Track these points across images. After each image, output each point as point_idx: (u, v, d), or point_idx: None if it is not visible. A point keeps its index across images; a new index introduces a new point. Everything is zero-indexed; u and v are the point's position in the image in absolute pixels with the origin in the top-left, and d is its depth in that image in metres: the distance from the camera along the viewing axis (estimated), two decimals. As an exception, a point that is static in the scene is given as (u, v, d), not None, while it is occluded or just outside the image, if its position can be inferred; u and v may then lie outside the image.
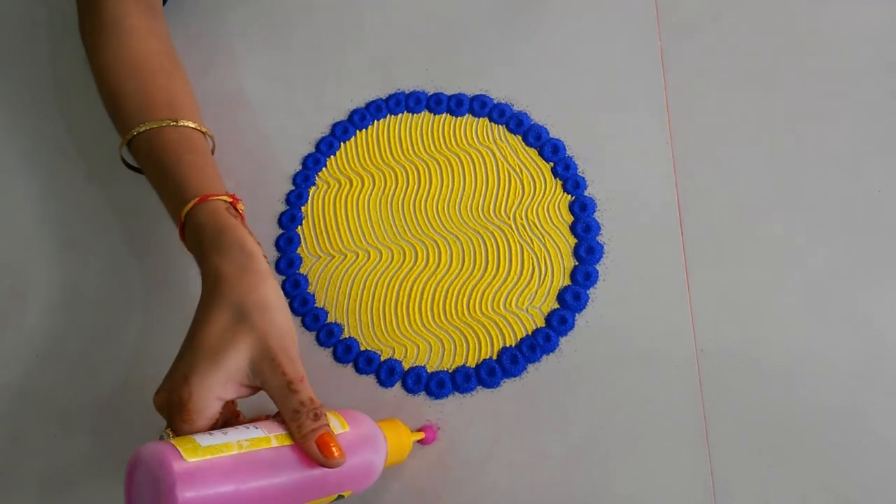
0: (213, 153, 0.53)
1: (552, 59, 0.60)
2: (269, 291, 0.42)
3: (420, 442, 0.48)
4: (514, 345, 0.51)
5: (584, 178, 0.55)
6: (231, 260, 0.43)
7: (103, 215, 0.57)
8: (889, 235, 0.51)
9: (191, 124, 0.51)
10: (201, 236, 0.45)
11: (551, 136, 0.57)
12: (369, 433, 0.43)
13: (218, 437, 0.37)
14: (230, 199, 0.48)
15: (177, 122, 0.51)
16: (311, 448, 0.39)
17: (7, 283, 0.56)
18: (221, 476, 0.36)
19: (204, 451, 0.36)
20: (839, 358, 0.48)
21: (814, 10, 0.59)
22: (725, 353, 0.49)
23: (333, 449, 0.39)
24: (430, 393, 0.50)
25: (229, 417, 0.43)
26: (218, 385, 0.40)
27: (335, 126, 0.59)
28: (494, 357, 0.51)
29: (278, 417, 0.41)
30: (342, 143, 0.59)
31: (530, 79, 0.59)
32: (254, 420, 0.42)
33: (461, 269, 0.53)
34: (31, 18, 0.66)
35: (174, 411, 0.40)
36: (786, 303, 0.50)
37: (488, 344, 0.51)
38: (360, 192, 0.57)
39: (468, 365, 0.51)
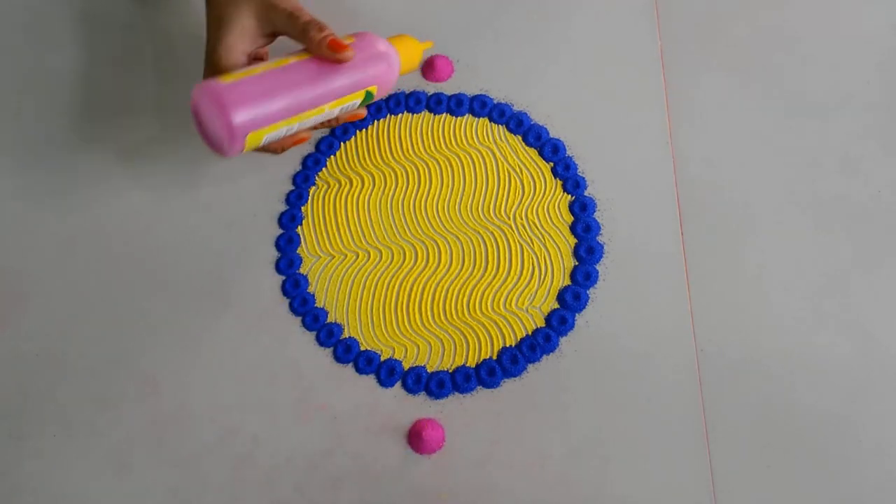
0: None
1: (552, 59, 0.60)
2: None
3: (413, 441, 0.48)
4: (514, 345, 0.51)
5: (584, 178, 0.55)
6: None
7: (103, 215, 0.57)
8: (889, 235, 0.51)
9: None
10: None
11: (551, 136, 0.57)
12: (380, 45, 0.50)
13: (249, 67, 0.47)
14: None
15: None
16: (323, 50, 0.47)
17: (7, 284, 0.56)
18: (256, 84, 0.45)
19: (236, 75, 0.46)
20: (839, 358, 0.48)
21: (814, 10, 0.59)
22: (725, 354, 0.49)
23: (342, 45, 0.47)
24: (430, 393, 0.50)
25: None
26: (237, 42, 0.49)
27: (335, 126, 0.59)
28: (494, 357, 0.51)
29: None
30: (342, 143, 0.58)
31: (530, 79, 0.59)
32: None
33: (461, 269, 0.53)
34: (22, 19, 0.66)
35: (213, 73, 0.48)
36: (786, 303, 0.50)
37: (488, 344, 0.51)
38: (360, 192, 0.57)
39: (468, 365, 0.51)
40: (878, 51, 0.57)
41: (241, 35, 0.49)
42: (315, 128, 0.51)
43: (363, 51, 0.49)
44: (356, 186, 0.57)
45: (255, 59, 0.51)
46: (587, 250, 0.53)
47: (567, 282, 0.52)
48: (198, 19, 0.58)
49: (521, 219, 0.54)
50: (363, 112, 0.52)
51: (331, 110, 0.48)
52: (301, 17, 0.48)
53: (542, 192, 0.55)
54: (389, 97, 0.60)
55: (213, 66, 0.49)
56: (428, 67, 0.60)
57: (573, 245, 0.53)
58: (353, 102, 0.49)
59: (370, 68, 0.49)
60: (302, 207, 0.57)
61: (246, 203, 0.57)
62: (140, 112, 0.60)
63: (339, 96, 0.48)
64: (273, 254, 0.55)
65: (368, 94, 0.50)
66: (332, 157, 0.58)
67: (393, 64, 0.51)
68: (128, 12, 0.64)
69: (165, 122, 0.60)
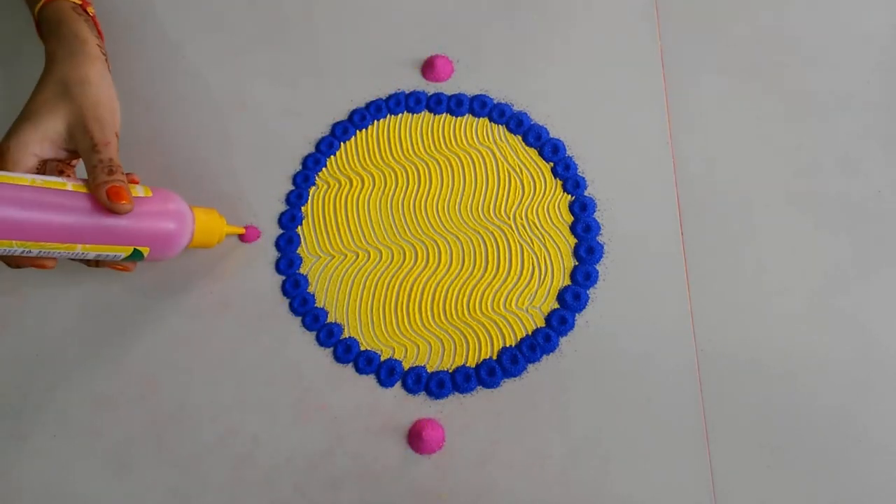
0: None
1: (552, 59, 0.60)
2: (91, 70, 0.49)
3: (413, 441, 0.48)
4: (514, 345, 0.51)
5: (584, 178, 0.55)
6: (63, 46, 0.50)
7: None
8: (889, 235, 0.51)
9: None
10: (45, 30, 0.53)
11: (551, 136, 0.57)
12: (172, 207, 0.48)
13: (17, 174, 0.43)
14: (79, 2, 0.54)
15: None
16: (101, 194, 0.44)
17: (7, 284, 0.56)
18: (14, 190, 0.42)
19: (5, 176, 0.42)
20: (839, 358, 0.48)
21: (814, 10, 0.59)
22: (725, 354, 0.49)
23: (121, 197, 0.44)
24: (430, 393, 0.50)
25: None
26: (33, 142, 0.46)
27: (335, 126, 0.59)
28: (494, 357, 0.51)
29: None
30: (342, 143, 0.59)
31: (530, 79, 0.59)
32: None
33: (461, 269, 0.53)
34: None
35: None
36: (786, 303, 0.50)
37: (488, 344, 0.51)
38: (360, 192, 0.57)
39: (468, 365, 0.51)
40: (878, 51, 0.57)
41: (42, 138, 0.46)
42: (72, 259, 0.46)
43: (151, 208, 0.46)
44: (356, 186, 0.57)
45: (60, 172, 0.49)
46: (587, 250, 0.53)
47: (567, 282, 0.52)
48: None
49: (521, 219, 0.54)
50: (131, 266, 0.49)
51: (84, 251, 0.45)
52: (100, 153, 0.45)
53: (542, 192, 0.55)
54: (389, 97, 0.60)
55: (1, 154, 0.46)
56: (428, 67, 0.60)
57: (573, 245, 0.53)
58: (115, 254, 0.46)
59: (147, 228, 0.46)
60: (302, 207, 0.57)
61: (246, 203, 0.57)
62: (135, 109, 0.60)
63: (98, 242, 0.45)
64: (273, 254, 0.55)
65: (137, 252, 0.46)
66: (332, 157, 0.58)
67: (181, 231, 0.48)
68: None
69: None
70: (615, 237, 0.53)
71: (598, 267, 0.52)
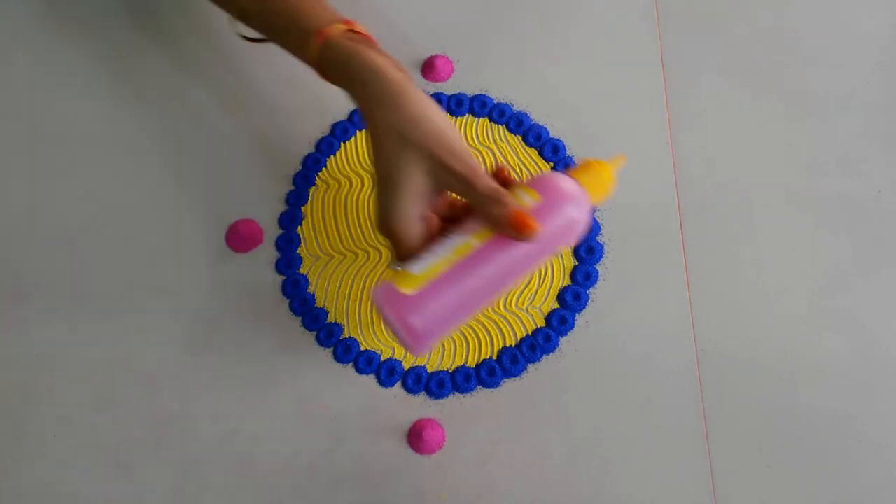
0: None
1: (552, 59, 0.60)
2: (411, 105, 0.44)
3: (413, 441, 0.48)
4: (514, 345, 0.51)
5: (584, 178, 0.55)
6: (364, 90, 0.45)
7: (103, 215, 0.57)
8: (889, 235, 0.51)
9: None
10: (334, 75, 0.47)
11: (551, 136, 0.57)
12: (562, 192, 0.44)
13: (427, 261, 0.43)
14: (344, 26, 0.48)
15: None
16: (506, 231, 0.42)
17: (7, 283, 0.56)
18: (440, 290, 0.42)
19: (416, 279, 0.42)
20: (839, 358, 0.48)
21: (814, 10, 0.59)
22: (725, 354, 0.49)
23: (525, 224, 0.41)
24: (430, 393, 0.50)
25: (443, 212, 0.47)
26: (410, 208, 0.44)
27: (335, 126, 0.59)
28: (494, 357, 0.51)
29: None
30: (342, 143, 0.58)
31: (530, 79, 0.59)
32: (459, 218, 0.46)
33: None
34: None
35: (391, 245, 0.45)
36: (785, 303, 0.50)
37: (488, 344, 0.51)
38: (360, 192, 0.57)
39: (468, 365, 0.51)
40: (878, 51, 0.57)
41: (415, 199, 0.44)
42: None
43: (548, 208, 0.43)
44: (356, 186, 0.57)
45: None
46: (587, 250, 0.53)
47: (567, 282, 0.52)
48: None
49: (521, 219, 0.54)
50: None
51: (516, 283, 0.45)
52: (476, 186, 0.42)
53: (542, 192, 0.55)
54: (389, 97, 0.59)
55: (387, 232, 0.44)
56: (428, 67, 0.60)
57: (573, 245, 0.53)
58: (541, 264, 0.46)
59: (556, 228, 0.43)
60: (302, 207, 0.57)
61: (246, 203, 0.57)
62: (139, 110, 0.60)
63: (524, 274, 0.44)
64: (273, 254, 0.55)
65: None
66: (332, 157, 0.58)
67: (583, 212, 0.44)
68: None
69: (171, 118, 0.60)
70: (615, 237, 0.53)
71: (598, 267, 0.52)
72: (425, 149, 0.43)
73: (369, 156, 0.46)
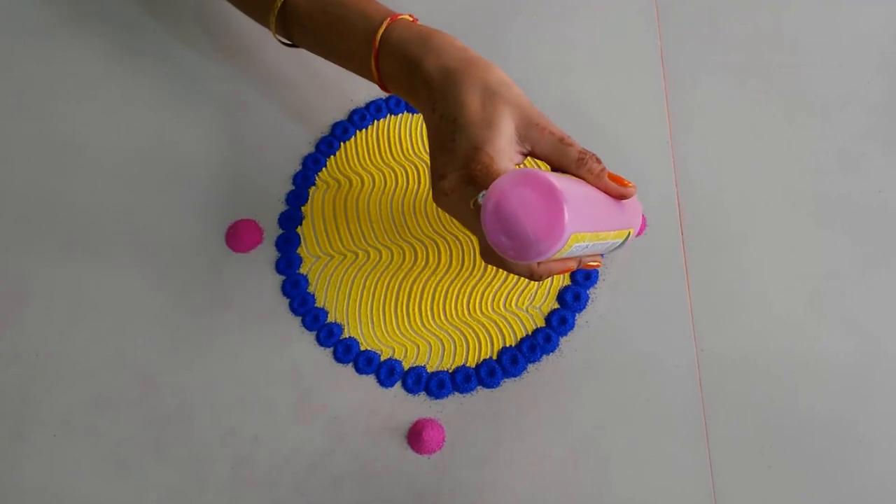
0: None
1: (552, 59, 0.60)
2: (499, 71, 0.43)
3: (413, 441, 0.48)
4: (514, 345, 0.51)
5: (584, 178, 0.55)
6: (451, 57, 0.44)
7: (104, 215, 0.57)
8: (889, 235, 0.51)
9: None
10: (407, 50, 0.45)
11: (551, 136, 0.57)
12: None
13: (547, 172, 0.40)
14: (406, 16, 0.47)
15: None
16: (609, 184, 0.41)
17: (7, 283, 0.56)
18: (569, 183, 0.38)
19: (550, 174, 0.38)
20: (839, 358, 0.48)
21: (814, 10, 0.59)
22: (725, 354, 0.49)
23: (625, 181, 0.42)
24: (430, 393, 0.50)
25: None
26: (508, 147, 0.41)
27: (335, 126, 0.59)
28: (494, 357, 0.51)
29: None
30: (342, 143, 0.58)
31: (530, 78, 0.59)
32: None
33: (461, 269, 0.53)
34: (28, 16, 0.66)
35: (480, 180, 0.40)
36: (785, 303, 0.50)
37: (488, 344, 0.51)
38: (360, 192, 0.57)
39: (468, 365, 0.51)
40: (878, 51, 0.57)
41: (510, 143, 0.42)
42: (581, 265, 0.45)
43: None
44: (356, 186, 0.57)
45: None
46: (587, 250, 0.53)
47: (567, 282, 0.52)
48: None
49: (521, 219, 0.54)
50: (600, 261, 0.46)
51: (604, 242, 0.42)
52: (573, 145, 0.42)
53: (542, 192, 0.55)
54: (389, 97, 0.60)
55: (483, 170, 0.41)
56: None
57: (573, 245, 0.53)
58: (615, 241, 0.44)
59: (633, 209, 0.45)
60: (302, 207, 0.57)
61: (246, 203, 0.57)
62: (140, 110, 0.60)
63: (620, 228, 0.43)
64: (273, 254, 0.55)
65: (628, 236, 0.45)
66: (332, 157, 0.58)
67: (639, 203, 0.47)
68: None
69: (165, 123, 0.60)
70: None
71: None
72: (519, 106, 0.42)
73: (427, 139, 0.43)
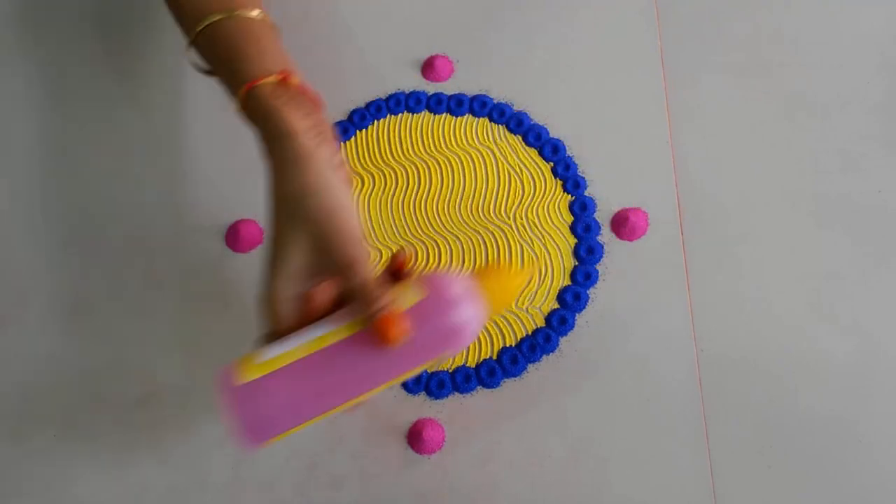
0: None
1: (552, 59, 0.60)
2: (309, 174, 0.41)
3: (413, 441, 0.48)
4: (514, 345, 0.51)
5: (584, 178, 0.55)
6: (273, 151, 0.43)
7: (104, 214, 0.57)
8: (889, 235, 0.51)
9: (246, 13, 0.48)
10: (254, 130, 0.44)
11: (551, 136, 0.57)
12: (447, 296, 0.40)
13: (286, 345, 0.39)
14: (276, 79, 0.45)
15: (231, 13, 0.47)
16: (370, 332, 0.39)
17: (7, 283, 0.56)
18: (281, 383, 0.38)
19: (261, 366, 0.38)
20: (839, 358, 0.48)
21: (814, 10, 0.59)
22: (725, 354, 0.49)
23: (391, 331, 0.38)
24: (430, 393, 0.50)
25: (322, 299, 0.43)
26: (284, 287, 0.41)
27: (335, 126, 0.59)
28: (494, 357, 0.51)
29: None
30: (342, 143, 0.58)
31: (530, 79, 0.59)
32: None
33: (461, 270, 0.53)
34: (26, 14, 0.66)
35: (262, 319, 0.41)
36: (785, 303, 0.50)
37: (488, 344, 0.51)
38: (360, 192, 0.57)
39: (468, 365, 0.51)
40: (878, 51, 0.57)
41: (293, 281, 0.41)
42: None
43: (430, 309, 0.40)
44: (356, 186, 0.57)
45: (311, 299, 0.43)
46: (587, 250, 0.53)
47: (567, 282, 0.52)
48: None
49: (522, 219, 0.54)
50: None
51: (373, 395, 0.40)
52: (351, 278, 0.40)
53: (542, 192, 0.55)
54: (389, 97, 0.60)
55: (262, 309, 0.41)
56: (428, 67, 0.60)
57: (573, 245, 0.53)
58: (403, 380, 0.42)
59: (433, 334, 0.40)
60: (302, 207, 0.57)
61: (246, 203, 0.57)
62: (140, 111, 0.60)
63: (386, 381, 0.40)
64: (273, 254, 0.55)
65: (437, 362, 0.42)
66: (332, 157, 0.58)
67: (471, 318, 0.40)
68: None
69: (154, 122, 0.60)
70: (615, 237, 0.53)
71: (598, 267, 0.52)
72: (311, 224, 0.40)
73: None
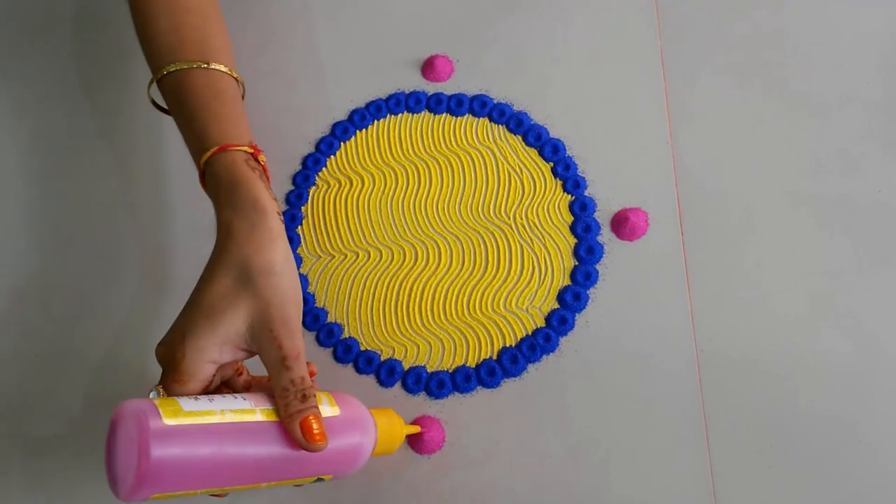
0: (243, 98, 0.51)
1: (552, 59, 0.60)
2: (277, 254, 0.41)
3: (413, 441, 0.48)
4: (514, 345, 0.51)
5: (584, 178, 0.55)
6: (242, 216, 0.42)
7: (104, 214, 0.57)
8: (889, 235, 0.51)
9: (222, 68, 0.48)
10: (217, 189, 0.44)
11: (551, 136, 0.57)
12: (359, 419, 0.42)
13: (202, 404, 0.37)
14: (251, 150, 0.45)
15: (207, 64, 0.48)
16: (295, 430, 0.38)
17: (7, 283, 0.56)
18: (198, 440, 0.36)
19: (185, 415, 0.36)
20: (839, 358, 0.48)
21: (814, 10, 0.59)
22: (725, 354, 0.49)
23: (316, 434, 0.38)
24: (430, 393, 0.50)
25: (231, 374, 0.43)
26: (212, 348, 0.40)
27: (335, 126, 0.59)
28: (494, 357, 0.51)
29: (269, 390, 0.41)
30: (342, 143, 0.59)
31: (530, 79, 0.59)
32: (249, 383, 0.43)
33: (461, 269, 0.53)
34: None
35: (167, 370, 0.40)
36: (786, 303, 0.50)
37: (488, 344, 0.51)
38: (360, 192, 0.57)
39: (468, 365, 0.51)
40: (878, 51, 0.57)
41: (222, 342, 0.40)
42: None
43: (338, 426, 0.40)
44: (356, 186, 0.57)
45: (236, 371, 0.44)
46: (587, 250, 0.53)
47: (567, 282, 0.52)
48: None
49: (521, 219, 0.54)
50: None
51: (268, 487, 0.40)
52: (291, 370, 0.39)
53: (542, 192, 0.55)
54: (389, 97, 0.60)
55: (172, 363, 0.40)
56: (428, 67, 0.60)
57: (573, 245, 0.53)
58: (296, 484, 0.42)
59: (336, 450, 0.40)
60: (302, 207, 0.57)
61: (246, 203, 0.57)
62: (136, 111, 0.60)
63: (285, 478, 0.40)
64: (273, 254, 0.55)
65: (319, 479, 0.41)
66: (332, 157, 0.58)
67: (367, 447, 0.42)
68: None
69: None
70: (615, 237, 0.53)
71: (598, 267, 0.52)
72: (263, 304, 0.40)
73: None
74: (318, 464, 0.40)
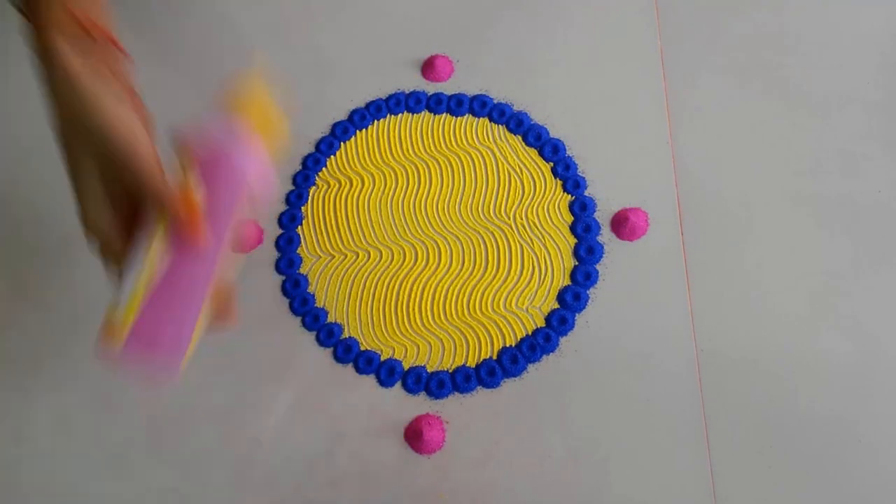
0: None
1: (552, 59, 0.60)
2: (85, 95, 0.41)
3: (413, 441, 0.48)
4: (514, 345, 0.51)
5: (584, 178, 0.55)
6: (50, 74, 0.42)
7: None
8: (889, 235, 0.51)
9: None
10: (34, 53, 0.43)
11: (551, 136, 0.57)
12: (220, 166, 0.41)
13: (128, 282, 0.39)
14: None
15: None
16: (179, 235, 0.38)
17: (7, 283, 0.56)
18: (151, 313, 0.38)
19: (125, 318, 0.38)
20: (839, 358, 0.48)
21: (814, 10, 0.59)
22: (725, 354, 0.49)
23: (192, 228, 0.38)
24: (430, 393, 0.50)
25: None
26: (95, 213, 0.40)
27: (335, 126, 0.59)
28: (494, 357, 0.51)
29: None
30: (342, 143, 0.59)
31: (530, 79, 0.59)
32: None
33: (461, 269, 0.53)
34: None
35: (91, 246, 0.41)
36: (786, 303, 0.50)
37: (488, 344, 0.51)
38: (360, 192, 0.57)
39: (468, 365, 0.51)
40: (878, 51, 0.57)
41: (96, 205, 0.40)
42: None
43: (212, 174, 0.40)
44: (356, 186, 0.57)
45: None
46: (587, 250, 0.53)
47: (567, 282, 0.52)
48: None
49: (522, 219, 0.54)
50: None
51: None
52: (150, 184, 0.39)
53: (542, 192, 0.55)
54: (389, 97, 0.60)
55: (88, 237, 0.41)
56: (428, 67, 0.60)
57: (573, 245, 0.53)
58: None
59: (229, 193, 0.40)
60: (302, 207, 0.57)
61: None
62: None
63: (223, 258, 0.41)
64: (273, 254, 0.55)
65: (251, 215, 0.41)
66: (332, 157, 0.58)
67: (245, 156, 0.41)
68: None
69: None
70: (615, 237, 0.53)
71: (598, 267, 0.52)
72: (96, 142, 0.40)
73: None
74: (222, 221, 0.40)
